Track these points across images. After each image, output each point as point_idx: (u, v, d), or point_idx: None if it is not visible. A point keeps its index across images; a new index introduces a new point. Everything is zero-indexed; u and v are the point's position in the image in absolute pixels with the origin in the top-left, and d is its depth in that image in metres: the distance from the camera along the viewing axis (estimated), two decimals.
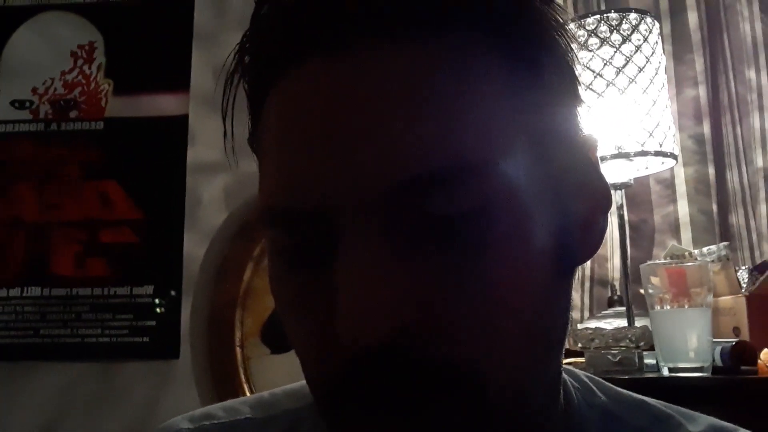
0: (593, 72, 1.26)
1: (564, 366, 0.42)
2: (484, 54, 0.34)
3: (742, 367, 1.04)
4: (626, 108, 1.24)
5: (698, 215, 1.63)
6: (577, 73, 0.38)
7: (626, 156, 1.23)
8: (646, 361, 1.12)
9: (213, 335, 1.54)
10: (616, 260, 1.61)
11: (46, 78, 1.64)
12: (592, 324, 1.28)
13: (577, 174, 0.37)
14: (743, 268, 1.34)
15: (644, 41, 1.26)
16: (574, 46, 0.37)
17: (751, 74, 1.69)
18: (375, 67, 0.32)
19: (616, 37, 1.26)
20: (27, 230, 1.57)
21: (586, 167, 0.39)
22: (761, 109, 1.67)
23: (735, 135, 1.65)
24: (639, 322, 1.21)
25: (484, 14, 0.34)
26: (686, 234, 1.62)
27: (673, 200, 1.65)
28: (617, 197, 1.30)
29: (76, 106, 1.63)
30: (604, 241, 0.46)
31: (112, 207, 1.58)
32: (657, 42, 1.30)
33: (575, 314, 1.59)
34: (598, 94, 1.25)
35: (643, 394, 0.46)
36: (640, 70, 1.25)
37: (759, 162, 1.64)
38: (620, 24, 1.26)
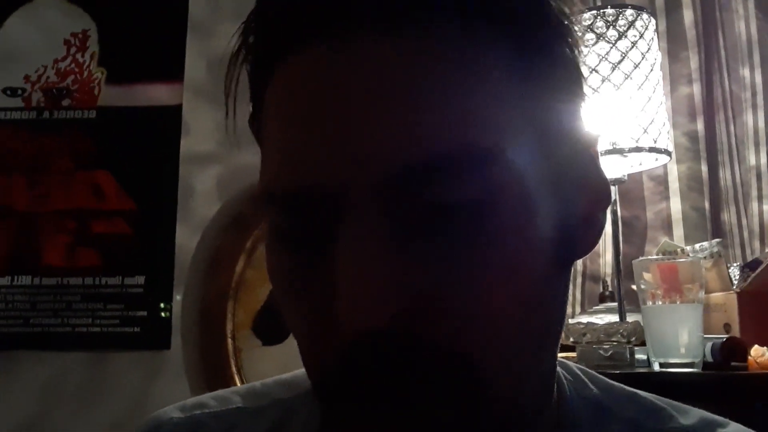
0: (589, 67, 1.26)
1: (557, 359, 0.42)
2: (490, 43, 0.33)
3: (733, 363, 1.05)
4: (621, 104, 1.24)
5: (691, 212, 1.64)
6: (582, 67, 0.38)
7: (620, 152, 1.24)
8: (638, 356, 1.12)
9: (204, 326, 1.54)
10: (609, 256, 1.61)
11: (39, 66, 1.63)
12: (584, 319, 1.28)
13: (578, 169, 0.37)
14: (735, 265, 1.35)
15: (640, 37, 1.26)
16: (580, 37, 0.37)
17: (746, 72, 1.69)
18: (380, 52, 0.32)
19: (612, 33, 1.26)
20: (18, 219, 1.56)
21: (587, 163, 0.38)
22: (755, 107, 1.68)
23: (728, 133, 1.66)
24: (631, 318, 1.22)
25: (490, 2, 0.34)
26: (678, 230, 1.63)
27: (666, 197, 1.66)
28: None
29: (69, 94, 1.62)
30: None
31: (104, 197, 1.57)
32: (653, 38, 1.30)
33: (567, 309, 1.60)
34: (593, 89, 1.25)
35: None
36: (636, 66, 1.25)
37: (752, 160, 1.65)
38: (616, 20, 1.26)
